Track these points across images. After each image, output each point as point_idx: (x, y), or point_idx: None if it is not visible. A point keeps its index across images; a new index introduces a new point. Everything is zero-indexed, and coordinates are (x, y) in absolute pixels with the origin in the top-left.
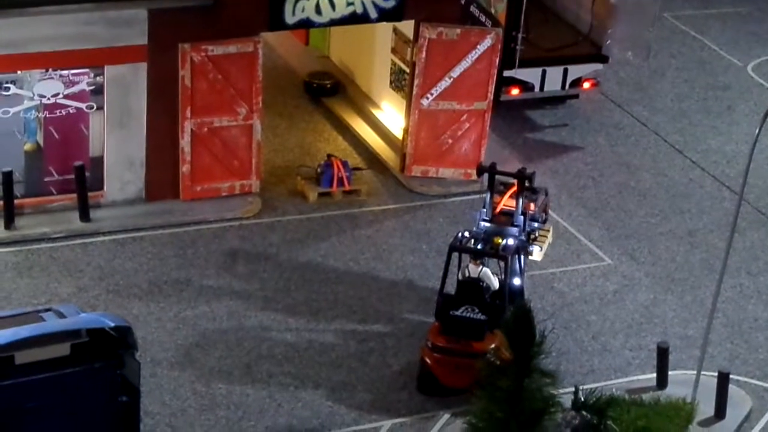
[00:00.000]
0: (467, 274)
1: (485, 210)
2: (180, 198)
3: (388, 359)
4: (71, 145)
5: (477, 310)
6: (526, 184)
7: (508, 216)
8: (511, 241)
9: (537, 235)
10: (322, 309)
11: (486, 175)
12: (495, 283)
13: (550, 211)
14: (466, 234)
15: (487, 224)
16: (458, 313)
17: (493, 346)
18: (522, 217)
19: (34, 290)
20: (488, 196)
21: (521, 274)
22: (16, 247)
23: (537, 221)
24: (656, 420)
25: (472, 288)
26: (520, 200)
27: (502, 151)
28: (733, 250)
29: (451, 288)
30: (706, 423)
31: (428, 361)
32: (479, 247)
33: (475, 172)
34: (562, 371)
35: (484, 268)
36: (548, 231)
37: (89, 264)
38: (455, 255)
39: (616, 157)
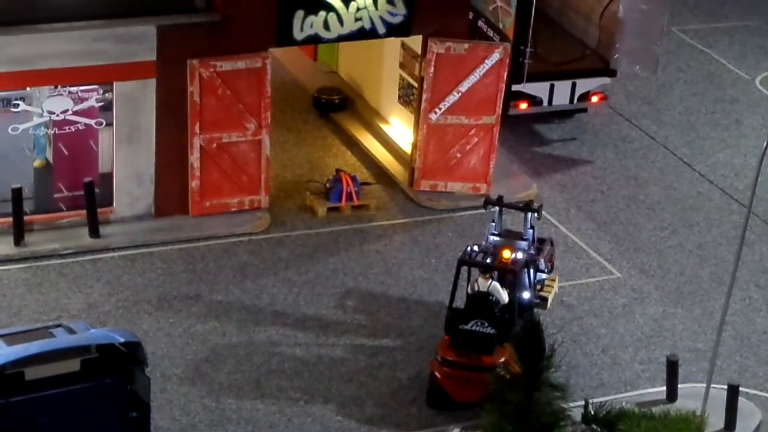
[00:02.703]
0: (476, 288)
1: (494, 224)
2: (189, 213)
3: (398, 373)
4: (80, 162)
5: (486, 324)
6: (535, 214)
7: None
8: (520, 255)
9: (543, 286)
10: (332, 323)
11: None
12: (504, 296)
13: (556, 260)
14: (475, 248)
15: (496, 238)
16: (468, 327)
17: (502, 359)
18: (531, 231)
19: (43, 306)
20: (497, 210)
21: (530, 288)
22: (26, 263)
23: (543, 272)
24: None
25: (482, 302)
26: (528, 215)
27: (510, 165)
28: (742, 263)
29: (460, 302)
30: None
31: (438, 375)
32: (488, 261)
33: (483, 203)
34: (572, 385)
35: (494, 282)
36: (554, 281)
37: (99, 280)
38: (464, 269)
39: (624, 171)
